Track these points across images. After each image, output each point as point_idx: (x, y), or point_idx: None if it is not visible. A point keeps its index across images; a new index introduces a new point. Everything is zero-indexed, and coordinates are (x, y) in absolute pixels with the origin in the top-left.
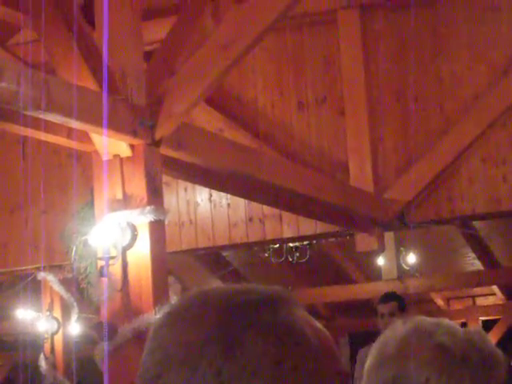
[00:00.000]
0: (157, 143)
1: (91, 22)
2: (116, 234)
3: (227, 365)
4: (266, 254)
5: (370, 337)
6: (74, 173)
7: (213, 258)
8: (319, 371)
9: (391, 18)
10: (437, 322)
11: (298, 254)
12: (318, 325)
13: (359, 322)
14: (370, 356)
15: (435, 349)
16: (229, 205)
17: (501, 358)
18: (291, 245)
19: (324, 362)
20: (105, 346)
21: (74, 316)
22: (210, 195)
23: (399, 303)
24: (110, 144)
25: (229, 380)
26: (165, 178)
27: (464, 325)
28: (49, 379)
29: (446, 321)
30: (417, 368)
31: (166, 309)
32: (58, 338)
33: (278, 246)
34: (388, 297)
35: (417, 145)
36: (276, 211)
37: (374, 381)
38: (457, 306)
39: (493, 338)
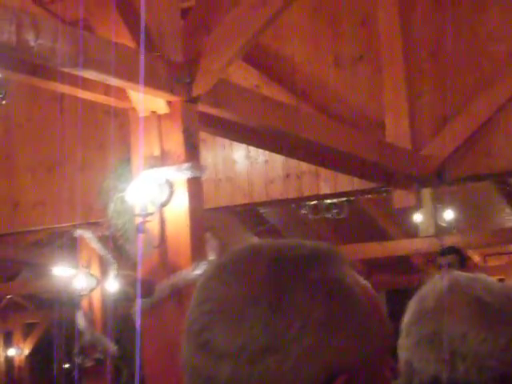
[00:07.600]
0: (194, 100)
1: None
2: (153, 190)
3: (274, 320)
4: (303, 211)
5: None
6: (111, 130)
7: (250, 214)
8: (367, 330)
9: None
10: (474, 277)
11: (335, 211)
12: (367, 283)
13: (396, 279)
14: (409, 311)
15: (473, 303)
16: (266, 161)
17: None
18: (328, 201)
19: (372, 321)
20: (142, 302)
21: (112, 273)
22: (248, 152)
23: (459, 256)
24: (147, 101)
25: (276, 335)
26: (202, 135)
27: (501, 281)
28: (87, 336)
29: (483, 276)
30: (454, 323)
31: (215, 261)
32: (96, 295)
33: (315, 202)
34: (448, 249)
35: (454, 101)
36: (313, 168)
37: (412, 336)
38: (494, 262)
39: None
